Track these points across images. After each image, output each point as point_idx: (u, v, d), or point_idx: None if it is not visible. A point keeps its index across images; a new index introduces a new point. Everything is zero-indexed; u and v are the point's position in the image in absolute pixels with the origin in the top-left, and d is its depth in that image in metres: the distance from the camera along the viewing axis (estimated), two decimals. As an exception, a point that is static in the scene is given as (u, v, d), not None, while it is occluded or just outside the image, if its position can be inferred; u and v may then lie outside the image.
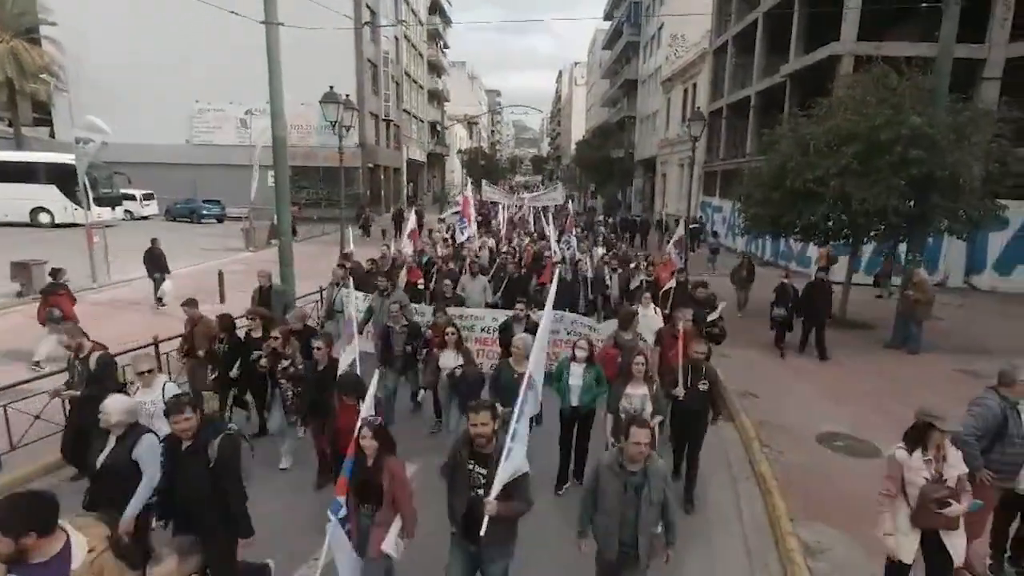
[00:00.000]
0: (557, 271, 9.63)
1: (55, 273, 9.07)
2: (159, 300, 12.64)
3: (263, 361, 6.02)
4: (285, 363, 5.82)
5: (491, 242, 15.58)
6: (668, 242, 23.03)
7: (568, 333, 7.89)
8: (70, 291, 9.04)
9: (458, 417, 5.85)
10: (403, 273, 10.55)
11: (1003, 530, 4.49)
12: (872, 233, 11.21)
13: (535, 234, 18.35)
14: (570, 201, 29.88)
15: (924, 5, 14.09)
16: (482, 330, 8.17)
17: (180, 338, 7.26)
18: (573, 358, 5.56)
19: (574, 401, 5.51)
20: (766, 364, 9.76)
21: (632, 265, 12.08)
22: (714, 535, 5.14)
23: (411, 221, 13.38)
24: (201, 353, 6.68)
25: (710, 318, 7.87)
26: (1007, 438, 4.06)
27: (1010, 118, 10.87)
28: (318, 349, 5.53)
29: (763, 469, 6.08)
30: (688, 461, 5.62)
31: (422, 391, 7.18)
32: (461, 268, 11.09)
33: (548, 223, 19.27)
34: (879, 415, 7.60)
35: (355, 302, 7.53)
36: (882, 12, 17.87)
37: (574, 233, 16.91)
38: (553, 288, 5.25)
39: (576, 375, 5.53)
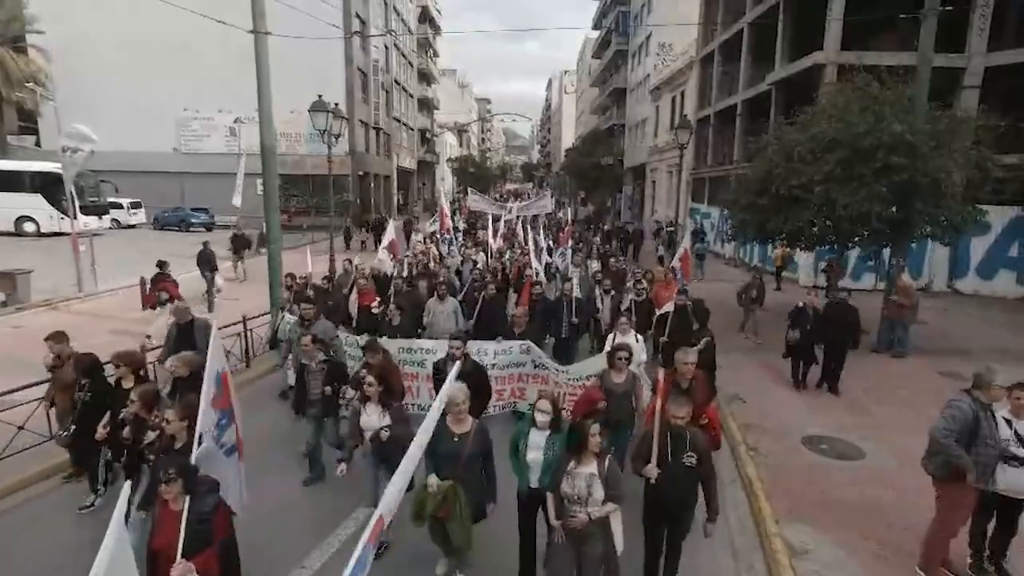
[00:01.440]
0: (539, 291, 8.89)
1: (162, 264, 11.47)
2: (217, 290, 13.62)
3: (125, 431, 4.58)
4: (153, 434, 4.31)
5: (480, 256, 14.30)
6: (656, 251, 23.28)
7: (536, 366, 7.03)
8: (173, 278, 11.24)
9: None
10: (353, 295, 9.58)
11: (981, 530, 4.57)
12: (856, 239, 11.37)
13: (525, 246, 16.93)
14: (562, 209, 29.50)
15: (904, 16, 14.35)
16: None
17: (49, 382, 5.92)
18: (533, 422, 4.18)
19: (533, 482, 4.16)
20: (751, 367, 9.85)
21: (630, 283, 10.57)
22: (700, 536, 5.18)
23: (390, 231, 12.28)
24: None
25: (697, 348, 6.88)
26: (980, 440, 4.13)
27: (989, 125, 11.09)
28: (166, 422, 3.99)
29: (749, 471, 6.14)
30: (667, 554, 4.24)
31: (347, 453, 4.95)
32: (432, 288, 9.57)
33: (536, 232, 18.49)
34: (864, 417, 7.71)
35: (293, 329, 6.89)
36: (865, 22, 18.21)
37: (569, 245, 15.97)
38: (517, 310, 5.45)
39: (536, 446, 4.13)
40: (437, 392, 5.22)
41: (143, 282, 12.75)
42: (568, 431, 3.96)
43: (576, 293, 9.13)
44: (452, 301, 8.65)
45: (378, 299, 9.14)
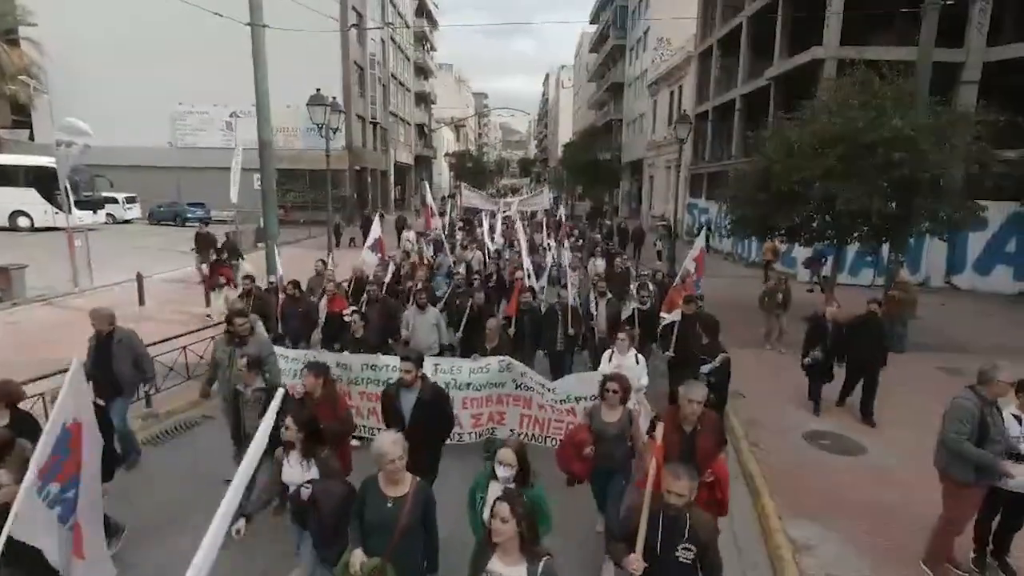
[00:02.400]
0: (527, 299, 7.87)
1: (219, 252, 12.37)
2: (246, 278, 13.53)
3: None
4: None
5: (477, 255, 13.21)
6: (655, 245, 23.19)
7: (518, 386, 6.06)
8: (229, 263, 12.03)
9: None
10: (323, 302, 8.56)
11: (986, 526, 4.56)
12: (856, 234, 11.37)
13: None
14: (560, 205, 28.94)
15: (904, 11, 14.34)
16: None
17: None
18: (493, 474, 3.36)
19: None
20: (751, 361, 9.83)
21: (633, 287, 9.71)
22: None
23: (376, 228, 11.22)
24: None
25: (705, 370, 5.86)
26: (988, 438, 4.10)
27: (988, 121, 11.10)
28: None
29: (751, 468, 6.13)
30: None
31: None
32: (409, 294, 8.61)
33: (535, 230, 17.49)
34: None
35: (220, 347, 5.67)
36: (864, 17, 18.18)
37: (566, 245, 14.59)
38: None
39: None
40: (386, 422, 4.54)
41: (140, 277, 12.67)
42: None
43: (572, 299, 8.07)
44: (433, 311, 7.67)
45: (351, 306, 8.15)
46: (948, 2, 11.14)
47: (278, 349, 6.42)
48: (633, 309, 8.18)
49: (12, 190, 23.43)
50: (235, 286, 10.28)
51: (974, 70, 17.97)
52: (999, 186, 11.70)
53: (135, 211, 30.05)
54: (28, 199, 23.41)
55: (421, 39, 57.59)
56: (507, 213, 21.47)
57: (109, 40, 30.61)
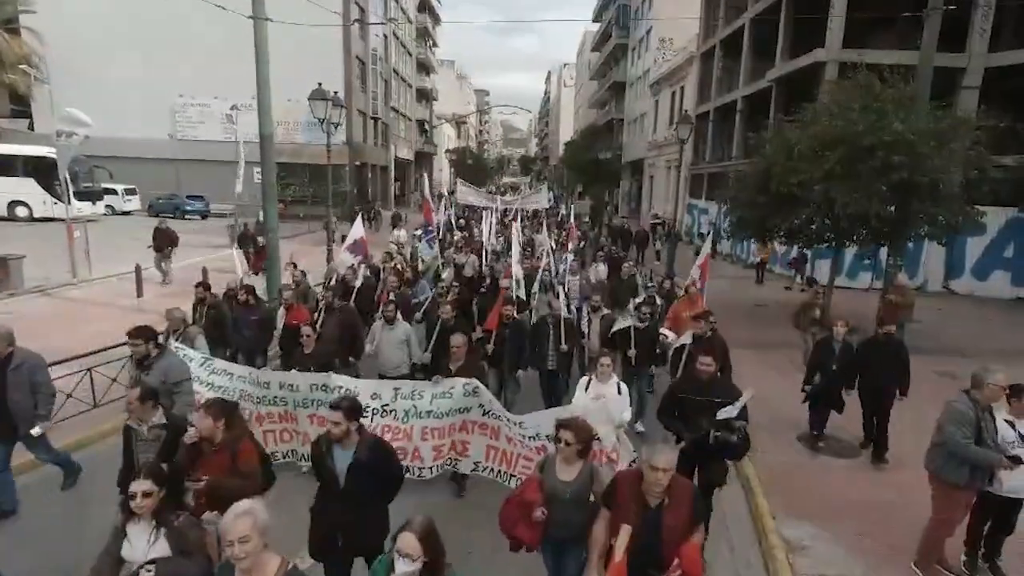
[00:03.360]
0: (509, 311, 6.99)
1: (261, 240, 12.64)
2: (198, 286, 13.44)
3: None
4: None
5: (472, 260, 12.25)
6: (654, 245, 23.13)
7: (486, 413, 5.25)
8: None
9: None
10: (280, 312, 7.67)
11: (978, 529, 4.59)
12: (855, 237, 11.40)
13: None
14: (562, 204, 28.34)
15: (907, 15, 14.36)
16: (375, 413, 5.30)
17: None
18: (392, 567, 2.54)
19: None
20: (748, 360, 9.86)
21: (634, 303, 8.42)
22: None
23: (357, 227, 10.20)
24: None
25: (724, 414, 4.41)
26: (982, 442, 4.13)
27: (988, 126, 11.12)
28: None
29: (746, 468, 6.16)
30: None
31: None
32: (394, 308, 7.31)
33: (535, 231, 16.79)
34: (860, 416, 7.73)
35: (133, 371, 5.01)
36: (866, 20, 18.19)
37: (570, 247, 13.01)
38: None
39: None
40: (317, 477, 3.61)
41: (138, 269, 12.67)
42: None
43: (566, 312, 7.34)
44: (403, 326, 6.75)
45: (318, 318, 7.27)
46: (950, 7, 11.15)
47: (222, 364, 5.81)
48: (629, 326, 7.14)
49: (11, 180, 23.37)
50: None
51: (975, 75, 18.00)
52: (997, 191, 11.73)
53: (134, 203, 30.01)
54: (27, 189, 23.36)
55: (423, 35, 57.49)
56: (502, 209, 20.57)
57: (110, 30, 30.51)
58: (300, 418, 5.50)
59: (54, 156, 14.11)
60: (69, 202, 14.53)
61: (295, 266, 9.56)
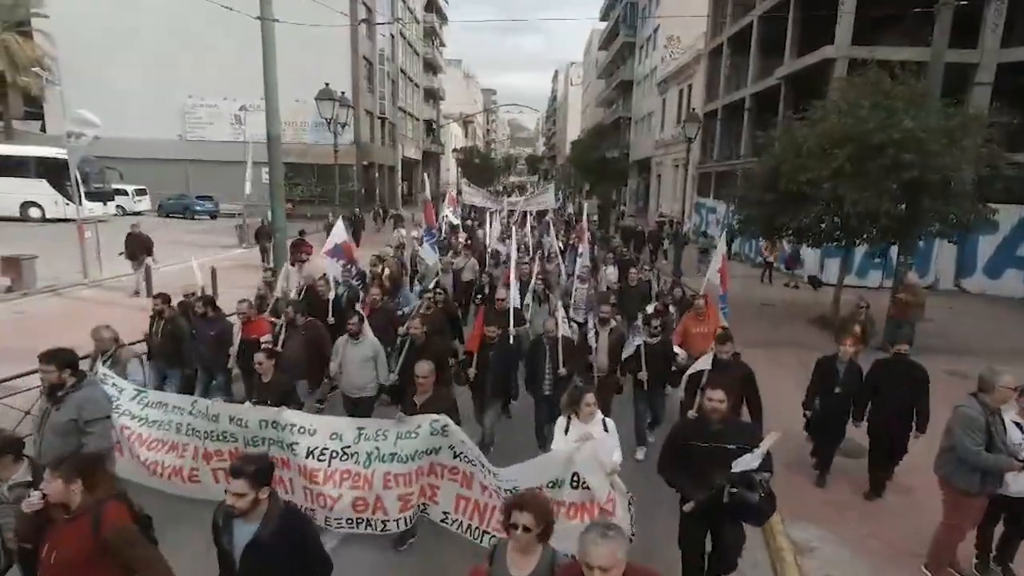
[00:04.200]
0: (493, 333, 6.09)
1: (302, 232, 13.15)
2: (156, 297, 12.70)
3: None
4: None
5: (471, 263, 11.59)
6: (661, 246, 22.86)
7: (457, 455, 4.40)
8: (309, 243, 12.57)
9: None
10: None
11: (988, 531, 4.53)
12: (864, 236, 11.30)
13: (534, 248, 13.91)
14: (569, 204, 27.79)
15: (917, 10, 14.21)
16: (334, 456, 4.50)
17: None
18: None
19: None
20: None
21: (642, 318, 6.77)
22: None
23: (337, 230, 9.15)
24: None
25: (742, 466, 3.47)
26: (993, 445, 4.07)
27: (1001, 123, 10.98)
28: None
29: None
30: None
31: None
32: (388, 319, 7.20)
33: (544, 232, 16.03)
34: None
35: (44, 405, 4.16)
36: (876, 16, 18.02)
37: (581, 250, 11.54)
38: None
39: None
40: (218, 557, 2.87)
41: (148, 269, 12.78)
42: None
43: (565, 330, 6.37)
44: (370, 342, 5.94)
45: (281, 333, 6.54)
46: (962, 2, 11.02)
47: (157, 396, 5.07)
48: (638, 345, 6.31)
49: (24, 181, 23.65)
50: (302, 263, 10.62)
51: (987, 71, 17.79)
52: (1010, 189, 11.58)
53: (145, 203, 30.30)
54: (39, 190, 23.63)
55: (430, 34, 57.58)
56: (505, 213, 19.77)
57: (121, 32, 30.82)
58: None
59: (66, 157, 14.25)
60: (80, 203, 14.69)
61: (272, 272, 8.53)
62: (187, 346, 6.57)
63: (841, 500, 5.58)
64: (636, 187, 46.09)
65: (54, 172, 22.55)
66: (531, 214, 19.40)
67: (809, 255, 16.99)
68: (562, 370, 5.95)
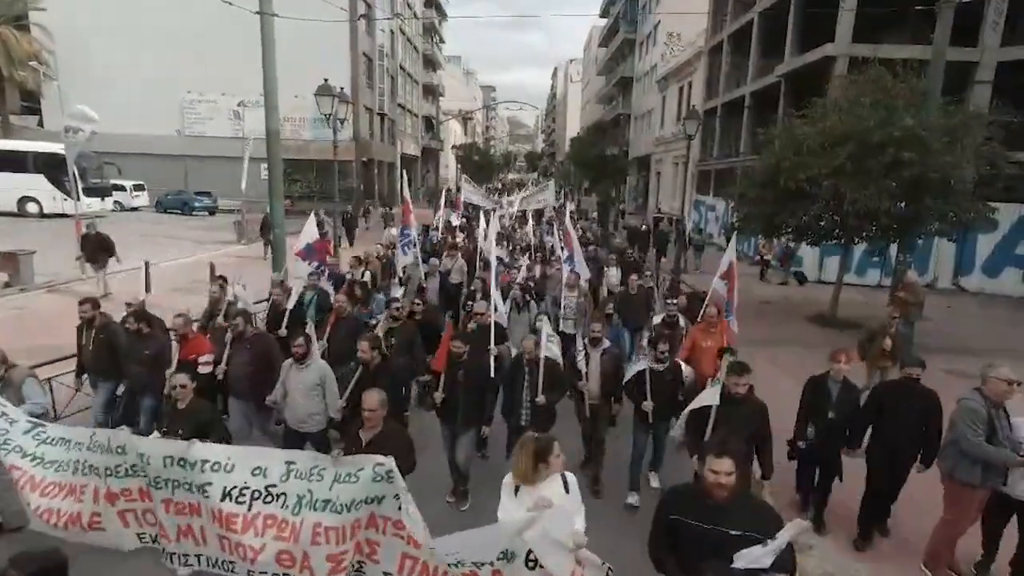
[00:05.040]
0: (459, 348, 5.19)
1: (320, 224, 12.02)
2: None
3: None
4: None
5: (459, 264, 10.72)
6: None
7: (403, 507, 3.54)
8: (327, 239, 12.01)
9: None
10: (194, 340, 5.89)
11: (995, 533, 4.44)
12: (864, 234, 11.31)
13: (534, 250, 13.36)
14: (568, 201, 27.40)
15: (918, 8, 14.20)
16: (256, 496, 3.68)
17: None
18: None
19: None
20: (755, 360, 9.81)
21: (644, 339, 6.40)
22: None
23: (309, 228, 8.50)
24: None
25: (749, 561, 2.64)
26: (995, 439, 4.08)
27: (1001, 121, 10.98)
28: None
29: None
30: None
31: None
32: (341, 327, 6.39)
33: (546, 231, 15.70)
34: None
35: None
36: (877, 14, 17.99)
37: (564, 256, 9.76)
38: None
39: None
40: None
41: (147, 266, 12.71)
42: None
43: (549, 350, 5.40)
44: (318, 366, 5.14)
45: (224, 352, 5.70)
46: (963, 0, 11.00)
47: (58, 431, 4.05)
48: (641, 371, 5.46)
49: (21, 176, 23.56)
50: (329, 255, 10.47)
51: (988, 70, 17.77)
52: (1009, 187, 11.60)
53: (143, 199, 30.22)
54: (37, 185, 23.54)
55: (430, 31, 57.42)
56: (502, 212, 18.98)
57: (119, 27, 30.68)
58: (155, 501, 3.81)
59: (63, 152, 14.19)
60: (78, 198, 14.63)
61: (223, 281, 7.29)
62: (122, 360, 5.78)
63: (839, 498, 5.57)
64: (635, 184, 46.06)
65: (51, 167, 22.47)
66: (530, 213, 18.89)
67: (807, 253, 17.00)
68: (540, 398, 5.20)
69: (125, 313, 6.29)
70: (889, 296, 11.12)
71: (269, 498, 3.65)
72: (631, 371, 5.63)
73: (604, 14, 56.58)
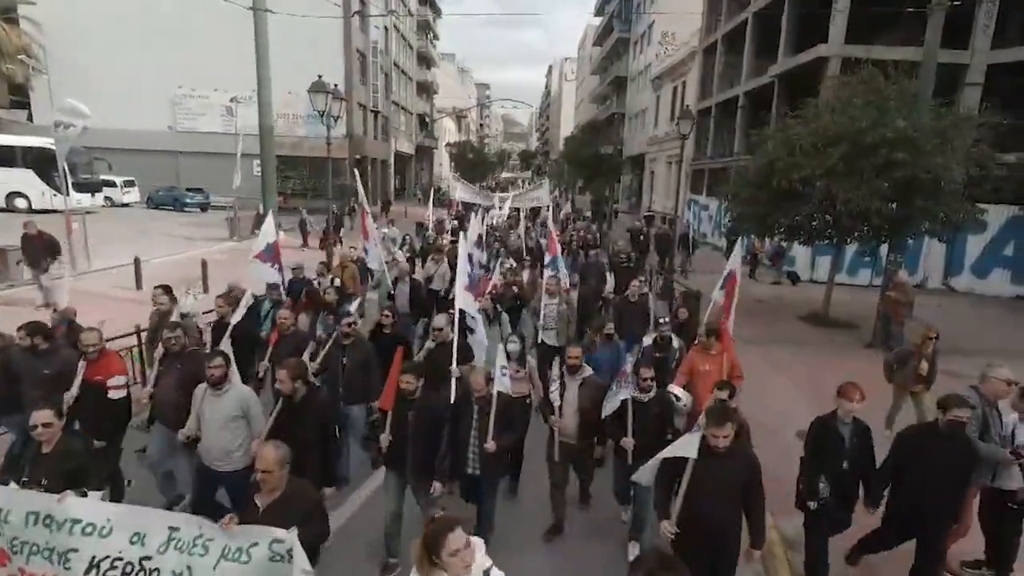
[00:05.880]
0: (410, 383, 4.30)
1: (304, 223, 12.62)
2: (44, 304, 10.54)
3: None
4: None
5: (442, 270, 9.80)
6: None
7: None
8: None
9: None
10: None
11: (992, 531, 4.43)
12: (856, 234, 11.39)
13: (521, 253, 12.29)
14: (565, 201, 26.72)
15: (910, 10, 14.30)
16: (129, 570, 2.97)
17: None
18: None
19: None
20: (748, 356, 9.85)
21: (628, 365, 4.87)
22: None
23: (267, 227, 7.88)
24: None
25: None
26: (989, 437, 4.14)
27: (991, 123, 11.09)
28: None
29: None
30: None
31: None
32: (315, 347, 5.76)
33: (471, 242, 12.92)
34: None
35: None
36: (870, 16, 18.11)
37: (546, 261, 9.20)
38: None
39: None
40: None
41: (137, 261, 12.66)
42: None
43: (502, 384, 4.52)
44: (237, 395, 4.31)
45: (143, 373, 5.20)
46: (955, 3, 11.09)
47: None
48: (623, 400, 4.54)
49: (10, 171, 23.26)
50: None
51: (978, 72, 17.94)
52: (998, 189, 11.73)
53: (134, 195, 29.92)
54: (26, 180, 23.25)
55: (424, 27, 57.21)
56: (495, 213, 18.38)
57: (110, 21, 30.34)
58: (11, 566, 3.11)
59: (53, 147, 14.01)
60: (68, 194, 14.47)
61: (166, 291, 6.32)
62: (24, 383, 4.79)
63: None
64: (629, 183, 46.15)
65: (41, 162, 22.19)
66: (524, 213, 18.28)
67: (799, 253, 17.11)
68: (490, 444, 4.24)
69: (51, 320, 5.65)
70: (880, 296, 11.23)
71: (142, 573, 2.95)
72: (611, 401, 4.62)
73: (599, 13, 56.60)
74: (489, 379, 4.51)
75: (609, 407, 4.63)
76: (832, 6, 18.27)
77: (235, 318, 5.92)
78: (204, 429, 4.26)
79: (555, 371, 4.90)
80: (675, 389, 5.12)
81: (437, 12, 61.10)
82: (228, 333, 5.58)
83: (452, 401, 4.79)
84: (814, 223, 11.29)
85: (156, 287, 6.43)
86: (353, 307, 6.78)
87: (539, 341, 7.40)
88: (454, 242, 12.17)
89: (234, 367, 4.53)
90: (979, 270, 16.88)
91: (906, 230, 10.91)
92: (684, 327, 7.02)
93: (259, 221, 15.46)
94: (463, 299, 6.00)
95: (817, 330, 12.06)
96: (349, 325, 5.61)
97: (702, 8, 29.73)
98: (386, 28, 41.95)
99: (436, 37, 64.12)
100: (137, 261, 12.64)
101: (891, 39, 18.11)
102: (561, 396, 4.78)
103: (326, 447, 4.22)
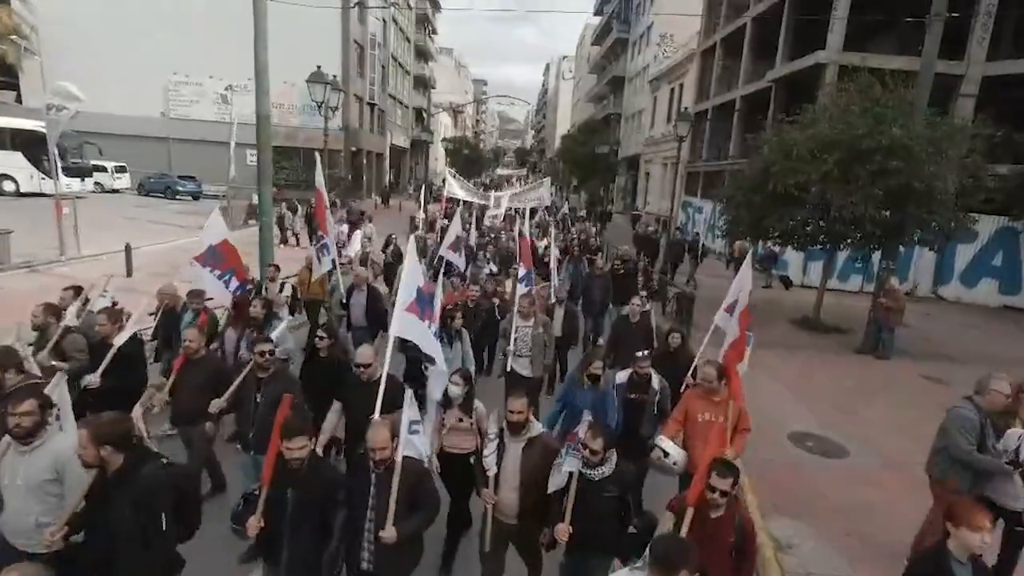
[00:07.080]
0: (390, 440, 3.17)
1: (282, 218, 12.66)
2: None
3: None
4: None
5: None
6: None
7: None
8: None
9: None
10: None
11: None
12: (849, 240, 11.47)
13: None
14: (563, 201, 25.60)
15: (908, 20, 14.40)
16: None
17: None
18: None
19: None
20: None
21: (585, 429, 3.47)
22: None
23: (215, 223, 6.86)
24: None
25: None
26: (985, 448, 4.14)
27: (984, 134, 11.21)
28: None
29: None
30: None
31: None
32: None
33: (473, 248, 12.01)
34: (849, 416, 7.83)
35: None
36: (868, 24, 18.23)
37: (520, 274, 7.16)
38: None
39: None
40: None
41: (128, 248, 12.52)
42: None
43: (412, 448, 3.35)
44: (52, 452, 3.09)
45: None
46: (953, 14, 11.19)
47: None
48: (570, 473, 3.33)
49: (-2, 153, 22.92)
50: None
51: (973, 83, 18.10)
52: (989, 199, 11.86)
53: (124, 181, 29.52)
54: (14, 163, 22.88)
55: (423, 21, 56.92)
56: (493, 213, 17.41)
57: (104, 4, 29.91)
58: None
59: (43, 130, 13.78)
60: (57, 178, 14.26)
61: (74, 293, 5.71)
62: None
63: (822, 497, 5.68)
64: (624, 184, 46.21)
65: (30, 145, 21.84)
66: (521, 213, 16.68)
67: (792, 257, 17.22)
68: (388, 532, 3.05)
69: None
70: (872, 302, 11.33)
71: None
72: (556, 474, 3.40)
73: (598, 12, 56.55)
74: (394, 435, 3.22)
75: (554, 482, 3.39)
76: (831, 13, 18.36)
77: (119, 339, 4.64)
78: (6, 496, 3.06)
79: (492, 429, 3.67)
80: (663, 442, 4.25)
81: (436, 6, 60.79)
82: (109, 358, 4.46)
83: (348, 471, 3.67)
84: (808, 228, 11.36)
85: (65, 288, 5.63)
86: (276, 331, 5.11)
87: (508, 369, 6.17)
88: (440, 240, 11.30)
89: (66, 411, 3.36)
90: (968, 279, 17.07)
91: (899, 238, 11.01)
92: (673, 357, 5.55)
93: (252, 211, 15.31)
94: (401, 323, 4.12)
95: (808, 334, 12.16)
96: (263, 355, 4.24)
97: (701, 11, 29.80)
98: (384, 20, 41.68)
99: (434, 31, 63.83)
100: (128, 247, 12.50)
101: (889, 47, 18.26)
102: (497, 463, 3.57)
103: (150, 544, 2.78)
